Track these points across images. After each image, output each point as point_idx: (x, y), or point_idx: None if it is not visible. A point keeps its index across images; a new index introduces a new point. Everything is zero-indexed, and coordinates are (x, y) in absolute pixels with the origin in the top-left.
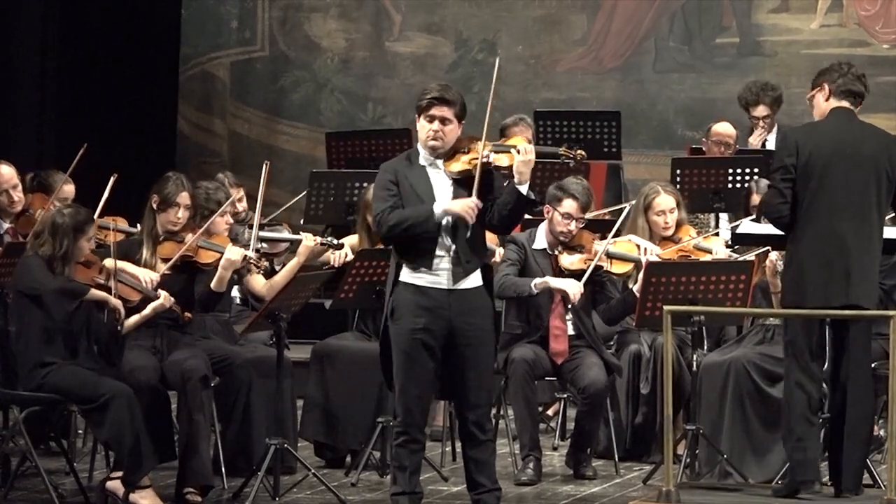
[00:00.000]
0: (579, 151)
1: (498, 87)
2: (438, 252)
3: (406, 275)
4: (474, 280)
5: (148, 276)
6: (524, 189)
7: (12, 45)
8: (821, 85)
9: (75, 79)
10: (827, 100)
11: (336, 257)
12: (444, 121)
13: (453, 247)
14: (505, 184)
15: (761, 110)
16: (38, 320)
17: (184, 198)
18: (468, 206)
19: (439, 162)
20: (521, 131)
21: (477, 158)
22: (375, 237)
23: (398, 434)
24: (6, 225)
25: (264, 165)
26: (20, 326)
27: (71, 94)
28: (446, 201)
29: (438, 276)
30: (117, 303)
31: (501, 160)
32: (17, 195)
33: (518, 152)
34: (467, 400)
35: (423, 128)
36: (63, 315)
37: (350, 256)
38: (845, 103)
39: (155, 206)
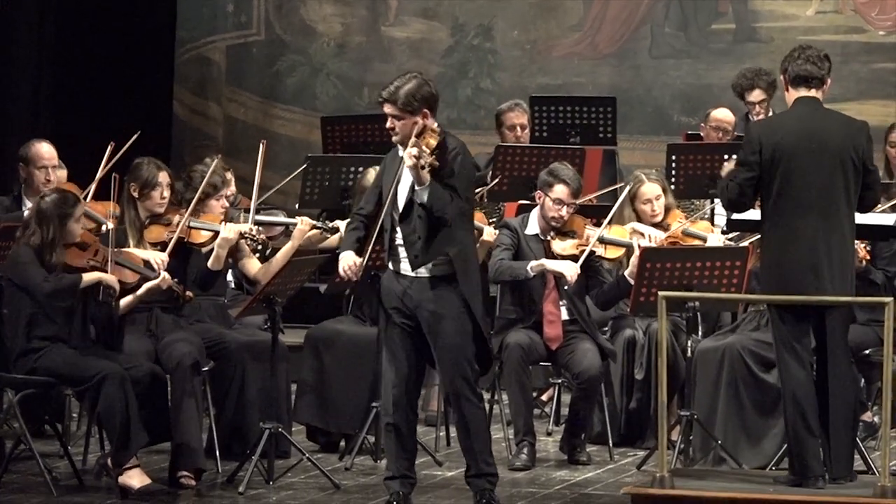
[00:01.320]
0: (431, 160)
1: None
2: (398, 242)
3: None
4: (435, 269)
5: (158, 258)
6: (419, 193)
7: (9, 30)
8: (781, 79)
9: (71, 62)
10: (787, 91)
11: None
12: (392, 118)
13: (402, 240)
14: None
15: (757, 94)
16: (28, 305)
17: (164, 177)
18: (346, 265)
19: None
20: (516, 116)
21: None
22: None
23: (383, 412)
24: (30, 204)
25: (261, 145)
26: (10, 311)
27: (67, 77)
28: (345, 255)
29: (400, 262)
30: (111, 278)
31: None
32: (54, 176)
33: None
34: (442, 382)
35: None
36: (62, 313)
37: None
38: (803, 90)
39: (136, 193)
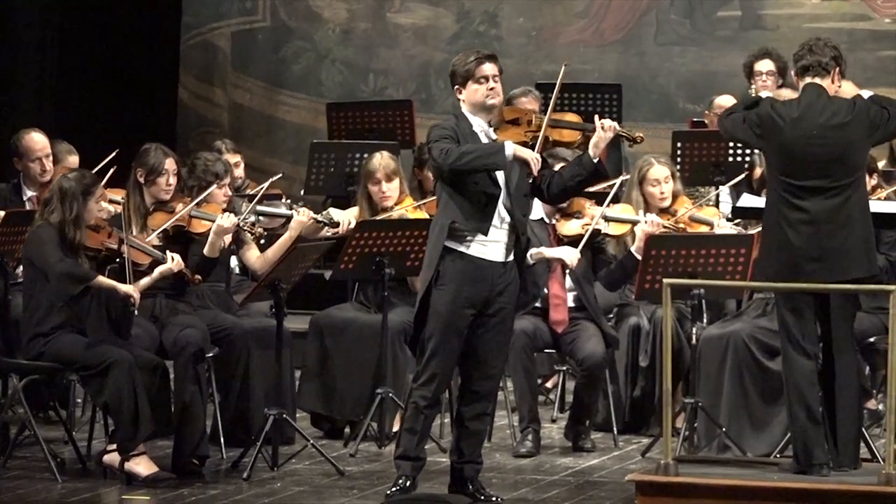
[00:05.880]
0: (638, 134)
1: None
2: (495, 222)
3: (455, 242)
4: (516, 254)
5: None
6: (600, 165)
7: (13, 14)
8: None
9: (76, 47)
10: (798, 83)
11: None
12: (496, 77)
13: (508, 219)
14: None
15: (766, 63)
16: (47, 290)
17: (170, 163)
18: (536, 156)
19: (490, 131)
20: (528, 102)
21: (533, 131)
22: (375, 208)
23: (422, 397)
24: (30, 193)
25: (269, 181)
26: (29, 294)
27: (72, 62)
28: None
29: (488, 246)
30: (127, 289)
31: (564, 135)
32: (49, 165)
33: (602, 129)
34: (480, 370)
35: (478, 90)
36: (65, 298)
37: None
38: (808, 79)
39: (141, 179)
